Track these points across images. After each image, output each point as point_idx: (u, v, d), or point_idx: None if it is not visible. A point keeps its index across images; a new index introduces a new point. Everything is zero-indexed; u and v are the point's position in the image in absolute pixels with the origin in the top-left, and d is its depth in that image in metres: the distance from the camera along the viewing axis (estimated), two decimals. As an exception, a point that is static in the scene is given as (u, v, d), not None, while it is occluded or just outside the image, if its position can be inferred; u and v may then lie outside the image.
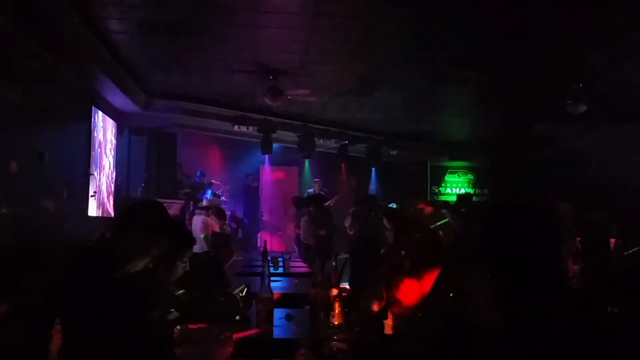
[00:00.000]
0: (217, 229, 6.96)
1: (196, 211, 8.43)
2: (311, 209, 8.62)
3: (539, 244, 1.60)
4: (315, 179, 12.02)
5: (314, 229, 8.37)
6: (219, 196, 11.14)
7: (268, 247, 3.56)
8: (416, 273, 2.36)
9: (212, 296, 2.73)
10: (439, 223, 2.48)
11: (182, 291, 2.78)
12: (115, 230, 2.35)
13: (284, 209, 12.28)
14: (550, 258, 1.62)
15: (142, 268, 2.31)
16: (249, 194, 12.77)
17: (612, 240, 6.42)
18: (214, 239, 6.74)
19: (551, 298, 1.55)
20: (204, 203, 9.36)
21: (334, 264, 2.88)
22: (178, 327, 1.84)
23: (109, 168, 9.28)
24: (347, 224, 8.40)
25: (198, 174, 11.46)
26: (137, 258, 2.29)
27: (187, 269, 2.84)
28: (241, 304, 2.68)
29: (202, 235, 6.74)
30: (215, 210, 7.37)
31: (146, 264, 2.33)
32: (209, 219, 7.16)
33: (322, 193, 10.78)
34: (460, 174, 13.20)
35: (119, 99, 8.78)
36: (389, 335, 2.32)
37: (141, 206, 2.62)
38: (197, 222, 7.25)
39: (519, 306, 1.53)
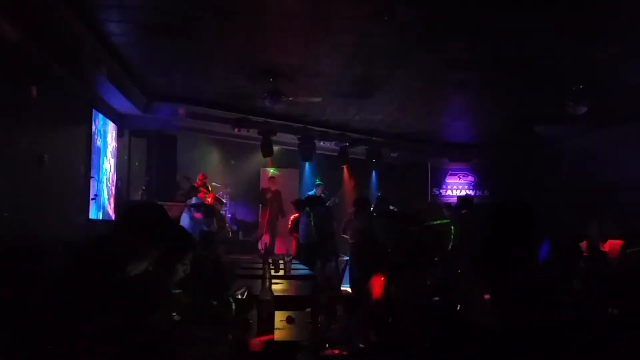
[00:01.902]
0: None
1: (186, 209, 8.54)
2: (311, 210, 8.61)
3: (537, 246, 1.60)
4: (318, 182, 12.00)
5: (317, 230, 8.38)
6: (220, 199, 11.13)
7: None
8: (416, 272, 2.36)
9: (207, 299, 2.73)
10: (437, 222, 2.48)
11: (179, 290, 2.77)
12: (116, 233, 2.35)
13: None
14: (548, 259, 1.61)
15: (142, 270, 2.31)
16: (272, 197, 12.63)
17: (611, 241, 6.41)
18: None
19: (551, 299, 1.54)
20: (193, 201, 9.41)
21: (334, 265, 2.88)
22: (178, 329, 1.84)
23: (110, 171, 9.28)
24: (342, 227, 8.44)
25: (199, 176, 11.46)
26: (138, 260, 2.29)
27: (188, 271, 2.85)
28: (234, 307, 2.67)
29: None
30: (204, 208, 7.44)
31: (146, 266, 2.33)
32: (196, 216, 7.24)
33: (323, 195, 10.76)
34: (461, 176, 13.19)
35: (119, 102, 8.78)
36: (389, 336, 2.31)
37: (141, 209, 2.62)
38: (185, 220, 7.29)
39: (518, 307, 1.53)
